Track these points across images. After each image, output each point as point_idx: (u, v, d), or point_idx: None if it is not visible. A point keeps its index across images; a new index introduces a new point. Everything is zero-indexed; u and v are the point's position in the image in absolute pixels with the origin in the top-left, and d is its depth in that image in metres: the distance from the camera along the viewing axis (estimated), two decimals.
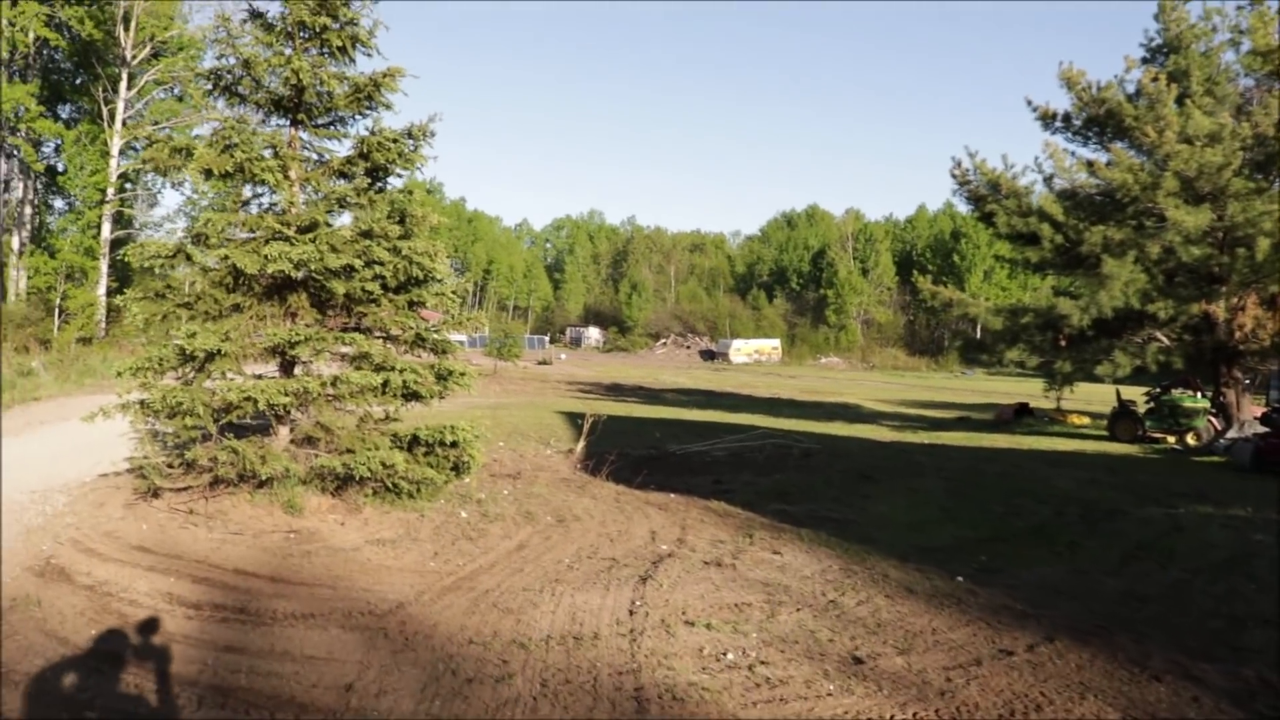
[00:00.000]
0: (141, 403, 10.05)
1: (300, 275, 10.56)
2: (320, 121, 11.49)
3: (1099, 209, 23.11)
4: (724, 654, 6.41)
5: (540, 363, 72.27)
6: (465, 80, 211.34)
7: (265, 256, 9.99)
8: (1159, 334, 23.41)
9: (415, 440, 10.89)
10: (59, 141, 38.50)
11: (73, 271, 37.79)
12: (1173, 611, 8.02)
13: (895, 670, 6.23)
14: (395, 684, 5.74)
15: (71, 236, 38.78)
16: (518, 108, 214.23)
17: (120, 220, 39.66)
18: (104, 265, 36.89)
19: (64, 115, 39.88)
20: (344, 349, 10.91)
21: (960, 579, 8.85)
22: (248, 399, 9.89)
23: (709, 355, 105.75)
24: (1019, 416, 31.40)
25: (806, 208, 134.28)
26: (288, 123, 11.23)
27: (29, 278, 37.42)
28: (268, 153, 10.79)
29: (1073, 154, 23.79)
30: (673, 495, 13.14)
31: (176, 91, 39.22)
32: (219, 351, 10.15)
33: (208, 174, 10.49)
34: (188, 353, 10.04)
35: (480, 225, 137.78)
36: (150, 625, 6.80)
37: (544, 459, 16.58)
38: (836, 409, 37.69)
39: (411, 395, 11.32)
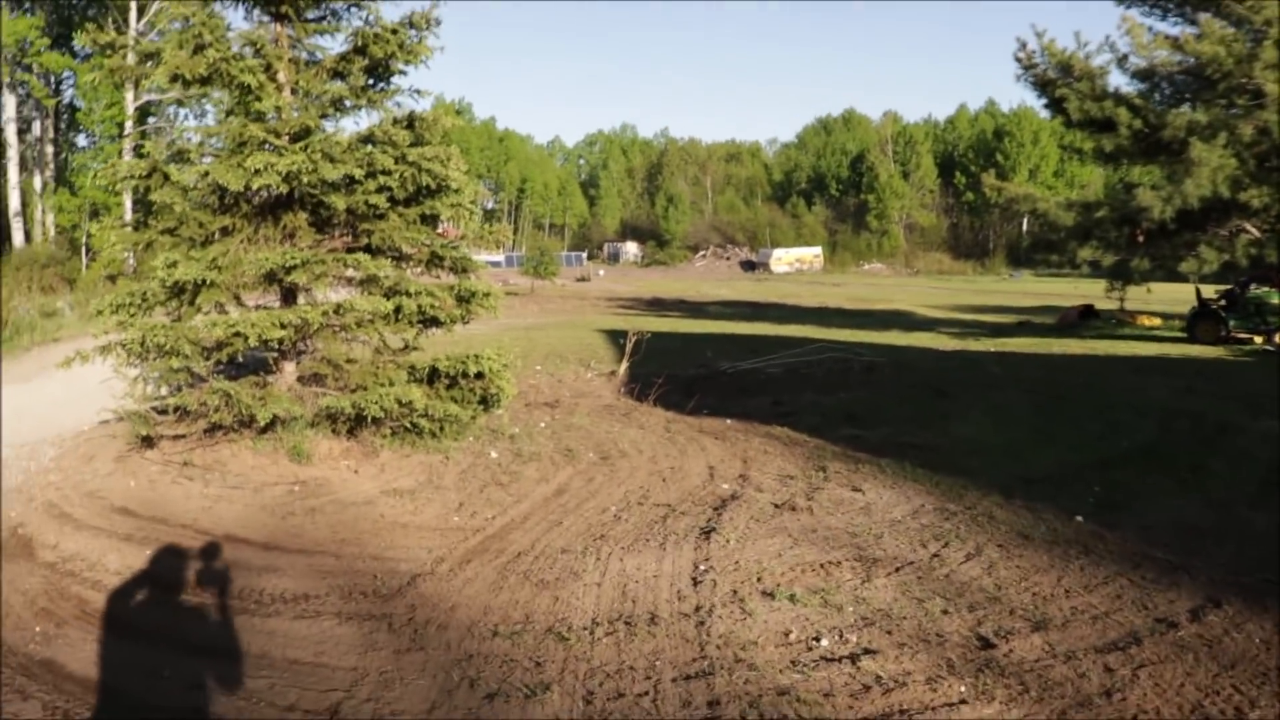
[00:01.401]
0: (121, 344, 8.80)
1: (295, 191, 9.19)
2: (310, 16, 9.99)
3: (1180, 90, 21.10)
4: (816, 639, 5.09)
5: (579, 280, 70.89)
6: None
7: (250, 170, 8.61)
8: (1249, 225, 21.50)
9: (435, 373, 9.58)
10: (74, 76, 37.16)
11: (97, 209, 36.72)
12: None
13: (1036, 658, 4.87)
14: (394, 703, 4.46)
15: (92, 172, 37.57)
16: (544, 21, 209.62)
17: (141, 153, 38.38)
18: (127, 200, 35.73)
19: (77, 49, 38.48)
20: (350, 272, 9.58)
21: (1080, 518, 7.45)
22: (236, 334, 8.59)
23: (749, 266, 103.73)
24: (1084, 319, 29.66)
25: (843, 112, 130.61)
26: (271, 18, 9.75)
27: (54, 216, 36.45)
28: (248, 51, 9.34)
29: (1150, 29, 21.62)
30: (729, 421, 11.79)
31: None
32: (205, 282, 8.86)
33: (180, 81, 9.06)
34: (171, 285, 8.76)
35: (512, 144, 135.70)
36: (107, 620, 5.58)
37: (584, 384, 15.26)
38: (889, 316, 36.07)
39: (430, 321, 10.02)
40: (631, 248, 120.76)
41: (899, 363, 17.60)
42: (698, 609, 5.49)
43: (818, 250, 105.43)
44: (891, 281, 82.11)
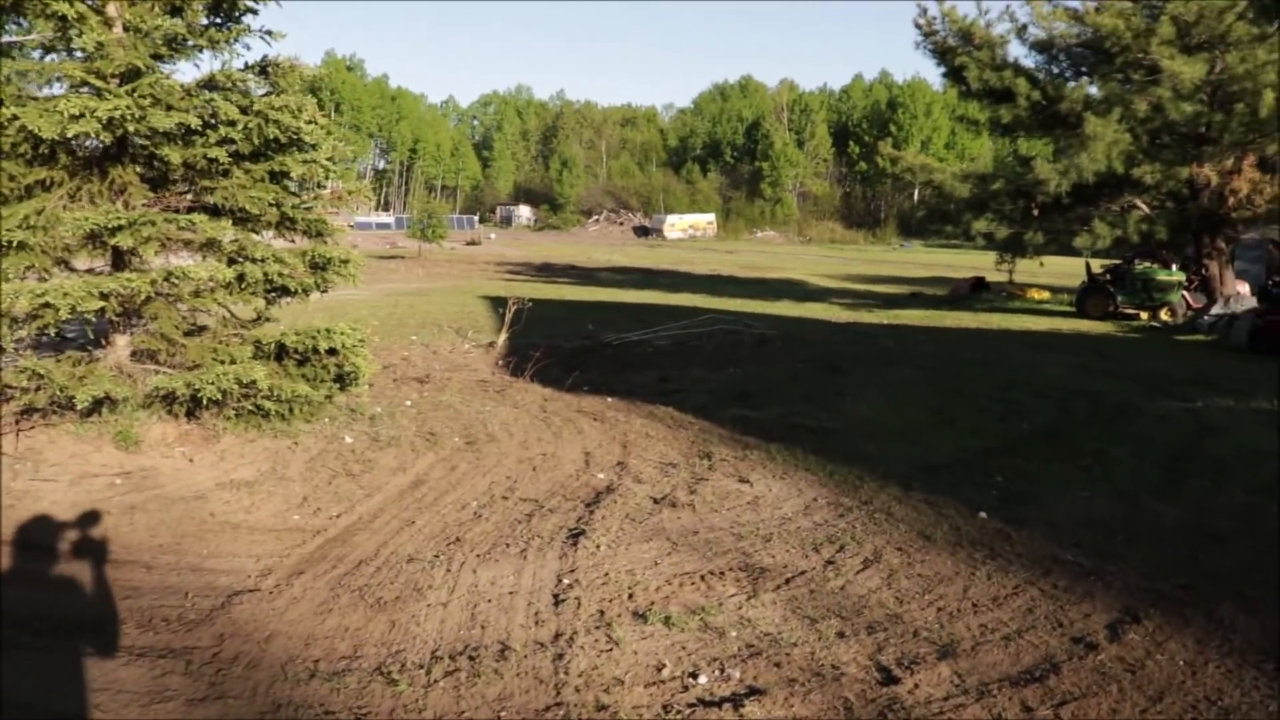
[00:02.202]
0: None
1: (125, 142, 8.06)
2: None
3: (1077, 64, 20.87)
4: (694, 675, 4.32)
5: (469, 243, 69.43)
6: None
7: (66, 115, 7.46)
8: (1139, 201, 21.44)
9: (283, 349, 8.59)
10: None
11: None
12: (1267, 553, 6.11)
13: (945, 694, 4.19)
14: None
15: None
16: None
17: None
18: None
19: None
20: (190, 235, 8.48)
21: (983, 514, 6.85)
22: (46, 305, 7.46)
23: (643, 231, 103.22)
24: (975, 292, 29.62)
25: (740, 79, 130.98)
26: None
27: None
28: None
29: (1051, 1, 21.28)
30: (610, 399, 11.01)
31: None
32: (13, 244, 7.72)
33: None
34: None
35: (405, 103, 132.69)
36: None
37: (460, 356, 14.31)
38: (781, 286, 35.72)
39: (280, 290, 8.99)
40: (525, 211, 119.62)
41: (791, 335, 17.02)
42: (557, 637, 4.68)
43: (711, 217, 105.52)
44: (784, 250, 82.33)
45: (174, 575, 5.59)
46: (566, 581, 5.42)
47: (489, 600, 5.15)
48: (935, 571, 5.71)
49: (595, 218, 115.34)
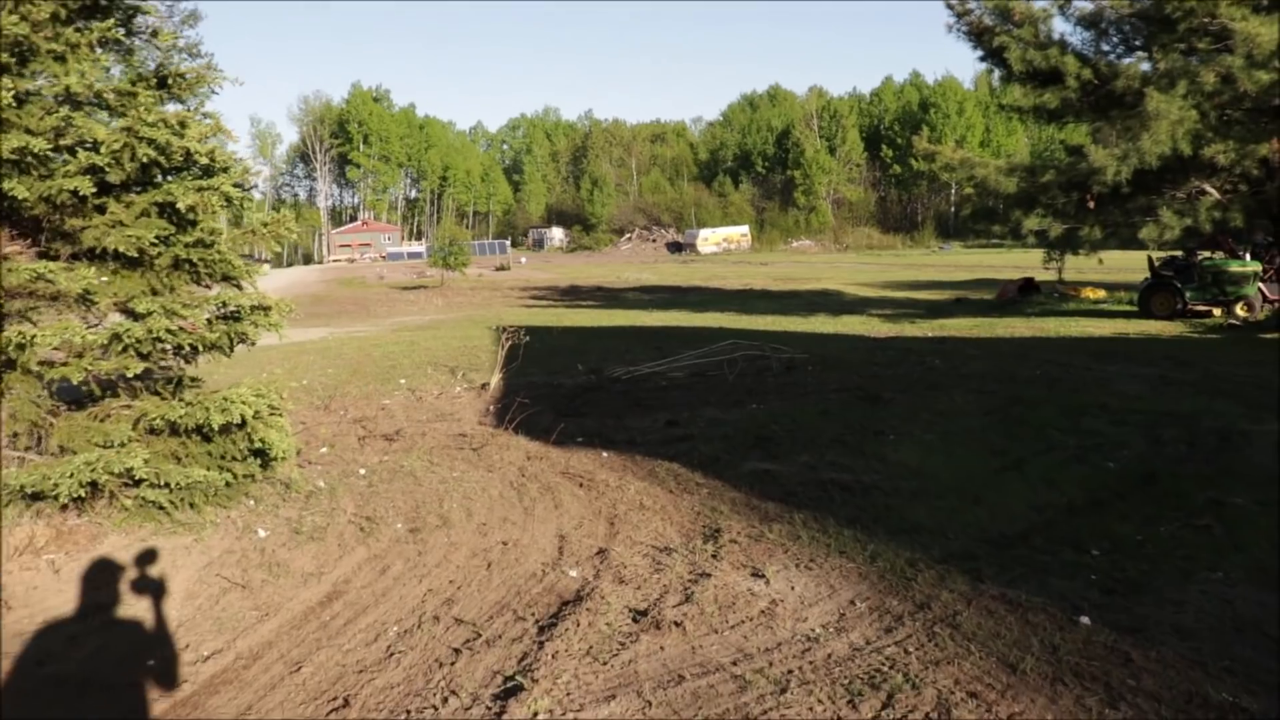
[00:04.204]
0: None
1: None
2: None
3: (1129, 38, 18.81)
4: None
5: (498, 269, 68.25)
6: None
7: None
8: (1208, 186, 19.29)
9: (173, 427, 6.87)
10: None
11: None
12: None
13: None
14: None
15: None
16: (459, 5, 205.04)
17: None
18: None
19: None
20: (46, 286, 6.80)
21: (1085, 619, 4.96)
22: None
23: (676, 247, 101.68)
24: (1025, 294, 27.53)
25: (768, 88, 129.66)
26: None
27: None
28: None
29: None
30: (605, 454, 9.19)
31: None
32: None
33: None
34: None
35: (433, 131, 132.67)
36: None
37: (448, 402, 12.55)
38: (816, 298, 33.79)
39: (175, 351, 7.29)
40: (558, 233, 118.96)
41: (824, 358, 15.12)
42: None
43: (745, 229, 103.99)
44: (820, 258, 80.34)
45: None
46: None
47: None
48: None
49: (628, 236, 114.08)
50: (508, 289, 43.93)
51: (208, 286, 7.76)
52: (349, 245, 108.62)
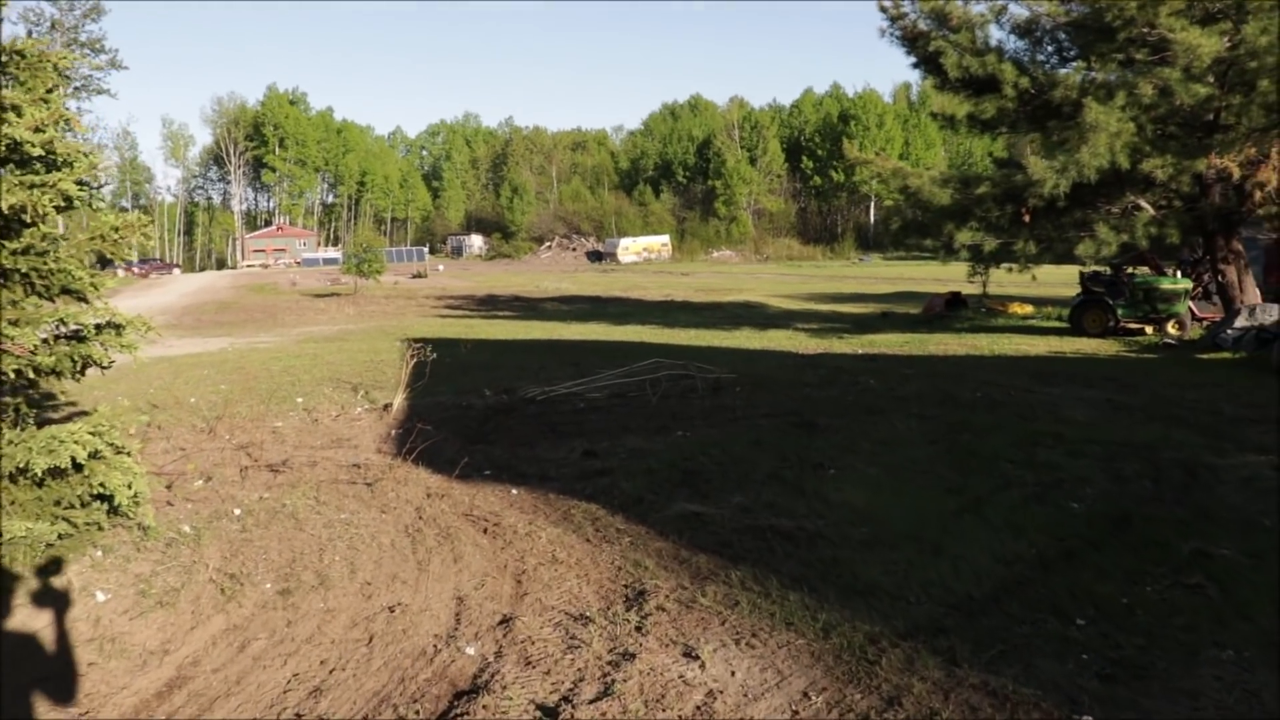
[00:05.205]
0: None
1: None
2: None
3: (1064, 48, 18.28)
4: None
5: (415, 276, 66.62)
6: None
7: None
8: (1142, 201, 18.85)
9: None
10: None
11: None
12: None
13: None
14: None
15: None
16: (378, 8, 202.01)
17: None
18: None
19: None
20: None
21: (1088, 719, 4.09)
22: None
23: (596, 256, 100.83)
24: (951, 309, 27.05)
25: (690, 98, 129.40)
26: None
27: None
28: None
29: None
30: (515, 491, 8.16)
31: None
32: None
33: None
34: None
35: (351, 136, 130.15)
36: None
37: (346, 425, 11.39)
38: (739, 310, 33.07)
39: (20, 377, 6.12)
40: (477, 241, 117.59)
41: (752, 377, 14.24)
42: None
43: (665, 239, 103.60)
44: (741, 269, 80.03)
45: None
46: None
47: None
48: None
49: (547, 244, 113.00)
50: (423, 298, 42.50)
51: (51, 300, 6.60)
52: (263, 250, 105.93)
